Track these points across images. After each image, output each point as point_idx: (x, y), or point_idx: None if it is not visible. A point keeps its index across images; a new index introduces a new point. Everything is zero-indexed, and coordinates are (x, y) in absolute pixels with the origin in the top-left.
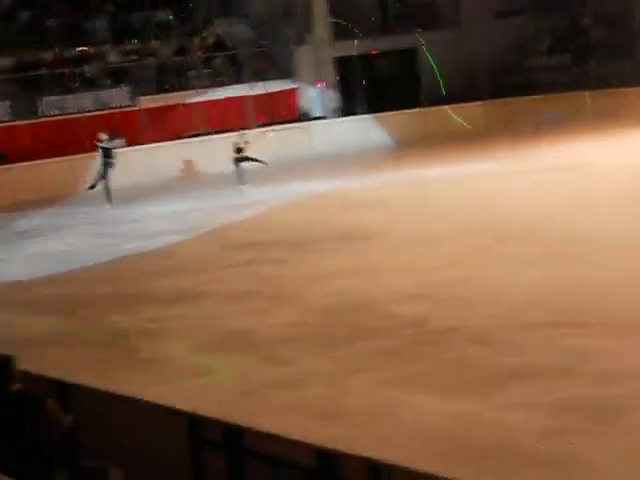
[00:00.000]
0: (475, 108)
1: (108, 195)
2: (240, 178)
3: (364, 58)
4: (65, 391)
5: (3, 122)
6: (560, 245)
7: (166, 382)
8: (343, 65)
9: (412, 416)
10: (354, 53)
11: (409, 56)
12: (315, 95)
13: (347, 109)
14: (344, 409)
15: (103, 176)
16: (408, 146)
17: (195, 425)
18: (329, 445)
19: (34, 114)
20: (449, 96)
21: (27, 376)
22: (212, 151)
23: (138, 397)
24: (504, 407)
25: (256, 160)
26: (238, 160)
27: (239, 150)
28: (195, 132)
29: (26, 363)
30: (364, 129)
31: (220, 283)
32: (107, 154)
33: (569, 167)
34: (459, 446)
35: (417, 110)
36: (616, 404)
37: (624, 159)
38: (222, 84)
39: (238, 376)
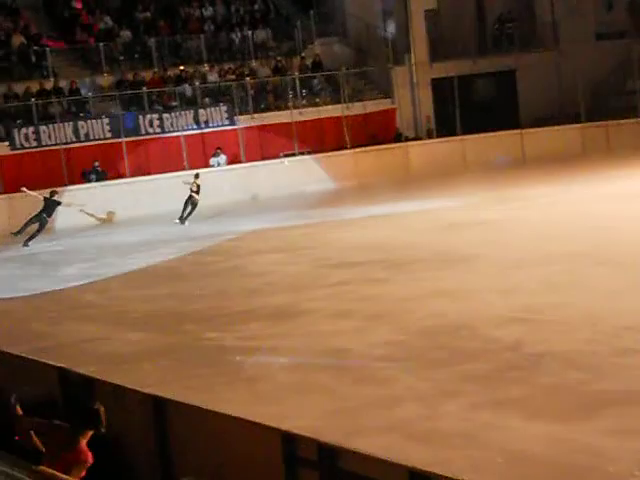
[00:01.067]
0: (574, 131)
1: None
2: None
3: (462, 79)
4: (161, 407)
5: (103, 140)
6: None
7: (263, 400)
8: (440, 86)
9: (505, 440)
10: (451, 74)
11: (507, 77)
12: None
13: (444, 130)
14: (438, 431)
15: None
16: (506, 166)
17: (290, 443)
18: (423, 467)
19: (134, 132)
20: (548, 118)
21: (119, 390)
22: (305, 171)
23: (234, 414)
24: (599, 433)
25: None
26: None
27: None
28: (290, 152)
29: (122, 378)
30: (460, 149)
31: (317, 302)
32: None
33: None
34: (551, 471)
35: (516, 131)
36: None
37: None
38: (319, 104)
39: (334, 395)
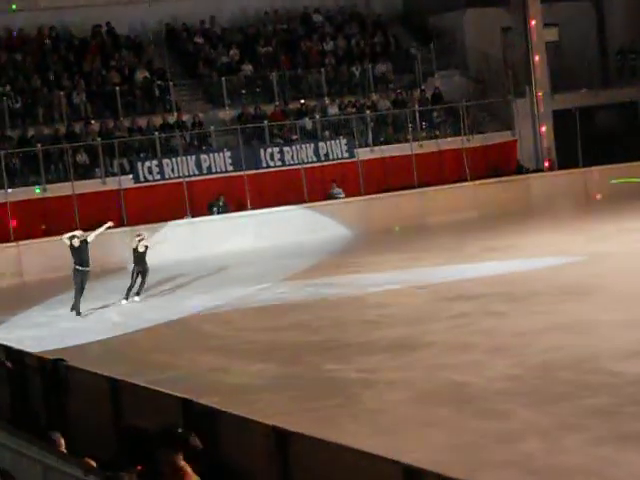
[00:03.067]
0: None
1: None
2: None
3: (584, 110)
4: (284, 439)
5: (225, 172)
6: None
7: (385, 433)
8: (561, 117)
9: (629, 476)
10: (573, 105)
11: (630, 109)
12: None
13: (565, 162)
14: (560, 466)
15: None
16: (629, 199)
17: (411, 477)
18: None
19: (255, 165)
20: None
21: (242, 421)
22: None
23: (356, 447)
24: None
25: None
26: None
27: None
28: (404, 185)
29: (241, 409)
30: (581, 181)
31: (437, 335)
32: None
33: None
34: None
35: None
36: None
37: None
38: (439, 136)
39: (456, 429)
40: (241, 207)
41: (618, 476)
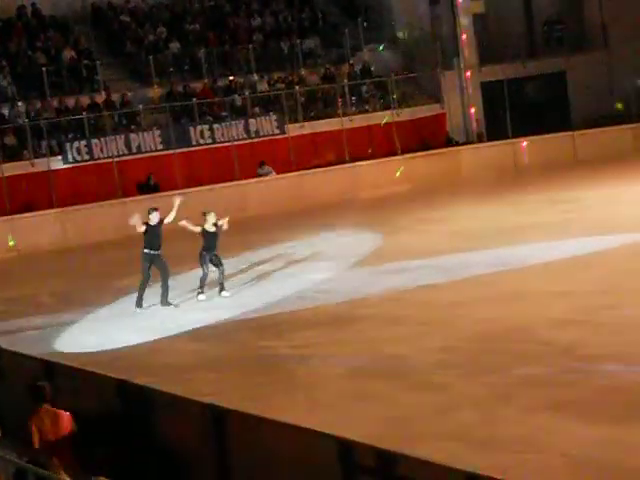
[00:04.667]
0: (625, 131)
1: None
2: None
3: (511, 82)
4: (219, 417)
5: (155, 151)
6: None
7: (319, 407)
8: (490, 89)
9: (564, 444)
10: (501, 77)
11: (557, 79)
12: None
13: (494, 133)
14: (496, 436)
15: None
16: (557, 169)
17: (347, 451)
18: (482, 472)
19: (185, 143)
20: (601, 119)
21: (177, 401)
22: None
23: (291, 423)
24: None
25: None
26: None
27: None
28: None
29: (176, 388)
30: (511, 152)
31: (371, 309)
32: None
33: None
34: (613, 473)
35: (568, 133)
36: None
37: None
38: (369, 111)
39: (392, 402)
40: (172, 186)
41: (553, 443)
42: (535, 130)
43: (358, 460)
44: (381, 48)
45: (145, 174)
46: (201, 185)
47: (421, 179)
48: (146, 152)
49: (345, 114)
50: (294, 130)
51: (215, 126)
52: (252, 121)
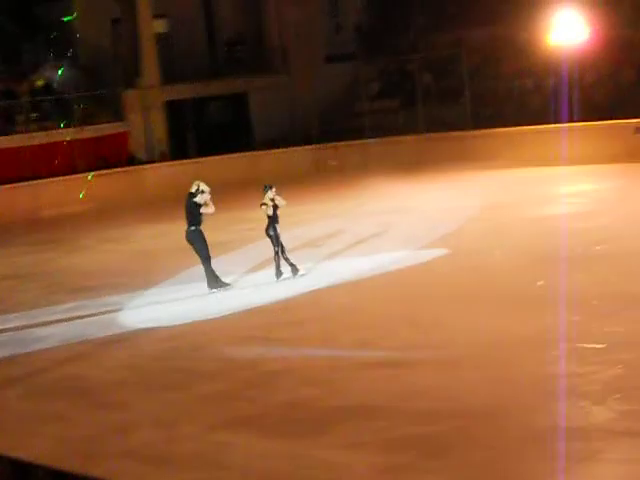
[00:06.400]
0: (306, 152)
1: None
2: None
3: (195, 102)
4: None
5: None
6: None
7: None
8: (173, 109)
9: (245, 460)
10: (184, 97)
11: (240, 100)
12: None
13: (177, 153)
14: (177, 454)
15: None
16: (242, 188)
17: (23, 472)
18: None
19: None
20: (281, 140)
21: None
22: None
23: None
24: (335, 447)
25: None
26: None
27: None
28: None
29: None
30: (194, 171)
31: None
32: None
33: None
34: None
35: (249, 153)
36: (444, 440)
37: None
38: (49, 128)
39: (72, 422)
40: None
41: (233, 459)
42: (219, 150)
43: None
44: (60, 71)
45: None
46: None
47: (104, 198)
48: None
49: (26, 131)
50: None
51: None
52: None
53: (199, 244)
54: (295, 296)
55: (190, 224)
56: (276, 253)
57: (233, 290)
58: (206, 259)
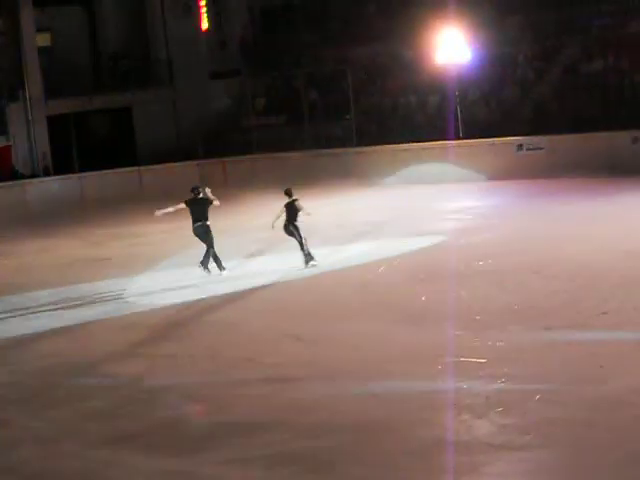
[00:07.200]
0: (192, 167)
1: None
2: None
3: (79, 116)
4: None
5: None
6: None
7: None
8: (57, 123)
9: (127, 478)
10: (68, 111)
11: (124, 114)
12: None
13: (61, 167)
14: (57, 471)
15: None
16: (124, 203)
17: None
18: None
19: None
20: (166, 154)
21: None
22: None
23: None
24: (220, 463)
25: None
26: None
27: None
28: None
29: None
30: (78, 186)
31: None
32: None
33: None
34: None
35: (134, 168)
36: (328, 456)
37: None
38: None
39: None
40: None
41: (115, 476)
42: (103, 164)
43: None
44: None
45: None
46: None
47: None
48: None
49: None
50: None
51: None
52: None
53: (210, 234)
54: (181, 309)
55: (205, 220)
56: (300, 243)
57: (124, 303)
58: (212, 246)
